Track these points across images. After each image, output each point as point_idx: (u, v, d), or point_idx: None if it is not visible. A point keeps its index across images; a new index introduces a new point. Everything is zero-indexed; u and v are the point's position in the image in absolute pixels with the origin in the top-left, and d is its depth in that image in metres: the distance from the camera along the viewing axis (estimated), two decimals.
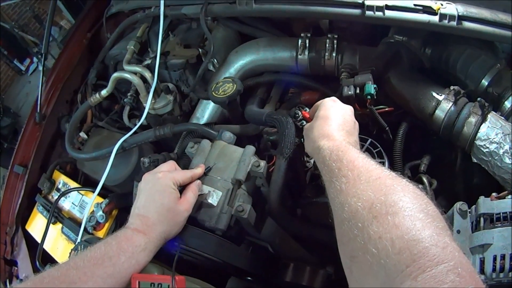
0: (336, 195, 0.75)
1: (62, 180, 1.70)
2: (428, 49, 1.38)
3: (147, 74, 1.54)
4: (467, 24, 1.18)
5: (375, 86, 1.24)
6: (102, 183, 1.44)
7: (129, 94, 1.60)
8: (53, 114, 1.77)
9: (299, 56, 1.39)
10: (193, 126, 1.33)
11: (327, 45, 1.38)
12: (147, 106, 1.49)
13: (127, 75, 1.54)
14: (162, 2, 1.49)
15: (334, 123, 0.98)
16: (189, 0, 1.46)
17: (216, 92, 1.35)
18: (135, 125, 1.53)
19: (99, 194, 1.50)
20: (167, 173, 1.06)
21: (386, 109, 1.29)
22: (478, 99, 1.15)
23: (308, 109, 1.24)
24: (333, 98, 1.09)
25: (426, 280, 0.51)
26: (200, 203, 1.15)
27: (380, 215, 0.63)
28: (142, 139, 1.39)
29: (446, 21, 1.18)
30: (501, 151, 1.10)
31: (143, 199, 1.02)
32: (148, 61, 1.58)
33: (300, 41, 1.39)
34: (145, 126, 1.61)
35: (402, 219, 0.60)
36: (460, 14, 1.17)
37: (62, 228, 1.63)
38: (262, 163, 1.23)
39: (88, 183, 1.70)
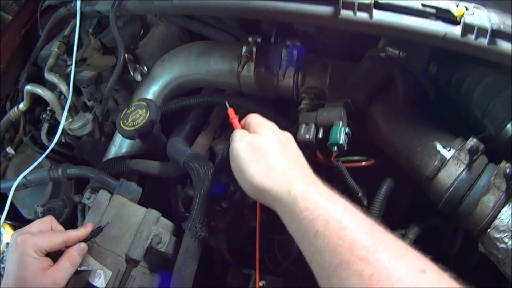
0: None
1: None
2: (433, 65, 0.82)
3: (63, 87, 1.09)
4: (504, 45, 0.65)
5: (347, 130, 0.76)
6: (3, 219, 1.09)
7: (48, 108, 1.16)
8: None
9: (241, 73, 0.88)
10: (87, 171, 0.89)
11: (282, 56, 0.85)
12: (60, 126, 1.08)
13: (38, 90, 1.14)
14: None
15: (277, 157, 0.65)
16: None
17: (125, 121, 0.89)
18: (57, 145, 1.13)
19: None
20: (29, 236, 0.76)
21: (363, 163, 0.78)
22: (505, 166, 0.67)
23: None
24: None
25: None
26: (86, 282, 0.79)
27: None
28: (38, 180, 0.98)
29: (472, 37, 0.66)
30: None
31: (7, 266, 0.77)
32: (68, 69, 1.12)
33: (244, 49, 0.88)
34: (70, 144, 1.20)
35: None
36: (494, 27, 0.65)
37: None
38: (166, 237, 0.78)
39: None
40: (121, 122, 0.90)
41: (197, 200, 0.78)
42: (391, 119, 0.82)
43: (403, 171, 0.83)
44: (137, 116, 0.89)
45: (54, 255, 0.76)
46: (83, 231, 0.80)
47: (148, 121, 0.87)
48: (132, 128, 0.88)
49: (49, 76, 1.15)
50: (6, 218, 1.18)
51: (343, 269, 0.48)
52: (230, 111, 0.79)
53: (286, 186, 0.59)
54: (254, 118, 0.74)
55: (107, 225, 0.82)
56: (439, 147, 0.74)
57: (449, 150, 0.73)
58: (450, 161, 0.72)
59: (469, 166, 0.70)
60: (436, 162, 0.73)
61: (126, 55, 1.05)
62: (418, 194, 0.86)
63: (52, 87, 1.19)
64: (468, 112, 0.81)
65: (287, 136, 0.72)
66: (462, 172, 0.70)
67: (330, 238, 0.50)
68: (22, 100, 1.30)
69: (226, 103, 0.82)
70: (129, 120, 0.90)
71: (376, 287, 0.45)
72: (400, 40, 0.83)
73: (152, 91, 1.00)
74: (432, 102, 0.85)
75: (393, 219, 0.78)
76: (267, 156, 0.64)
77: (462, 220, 0.72)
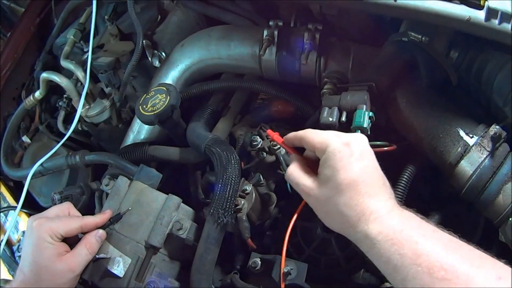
0: None
1: (2, 192, 1.27)
2: (454, 51, 0.78)
3: (80, 74, 1.05)
4: None
5: (371, 114, 0.73)
6: (20, 207, 1.04)
7: (64, 96, 1.12)
8: None
9: (263, 57, 0.83)
10: (106, 157, 0.85)
11: (304, 40, 0.81)
12: (77, 113, 1.04)
13: (55, 77, 1.10)
14: None
15: (368, 188, 0.59)
16: None
17: (144, 106, 0.85)
18: (73, 132, 1.09)
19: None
20: (44, 221, 0.73)
21: (385, 148, 0.73)
22: None
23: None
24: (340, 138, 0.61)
25: None
26: (105, 270, 0.75)
27: None
28: (55, 167, 0.95)
29: (496, 21, 0.63)
30: None
31: (23, 252, 0.76)
32: (85, 56, 1.08)
33: (265, 33, 0.83)
34: (86, 132, 1.18)
35: None
36: None
37: None
38: (187, 223, 0.74)
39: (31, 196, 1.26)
40: (140, 107, 0.86)
41: (220, 185, 0.74)
42: (414, 103, 0.79)
43: (425, 158, 0.80)
44: (157, 101, 0.86)
45: (72, 242, 0.73)
46: (101, 217, 0.76)
47: (168, 106, 0.83)
48: (152, 113, 0.84)
49: (65, 64, 1.12)
50: (23, 207, 1.15)
51: None
52: (276, 136, 0.70)
53: (359, 226, 0.57)
54: (308, 138, 0.63)
55: (126, 212, 0.78)
56: (462, 133, 0.72)
57: (472, 137, 0.71)
58: (473, 148, 0.70)
59: (491, 154, 0.68)
60: (459, 149, 0.70)
61: (144, 41, 1.01)
62: (439, 181, 0.83)
63: (68, 75, 1.15)
64: (489, 100, 0.78)
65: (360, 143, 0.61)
66: (485, 159, 0.68)
67: (408, 268, 0.52)
68: (38, 88, 1.27)
69: (269, 131, 0.73)
70: (149, 105, 0.86)
71: None
72: (422, 25, 0.79)
73: (171, 76, 0.96)
74: (453, 89, 0.81)
75: (413, 207, 0.74)
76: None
77: (484, 209, 0.70)
